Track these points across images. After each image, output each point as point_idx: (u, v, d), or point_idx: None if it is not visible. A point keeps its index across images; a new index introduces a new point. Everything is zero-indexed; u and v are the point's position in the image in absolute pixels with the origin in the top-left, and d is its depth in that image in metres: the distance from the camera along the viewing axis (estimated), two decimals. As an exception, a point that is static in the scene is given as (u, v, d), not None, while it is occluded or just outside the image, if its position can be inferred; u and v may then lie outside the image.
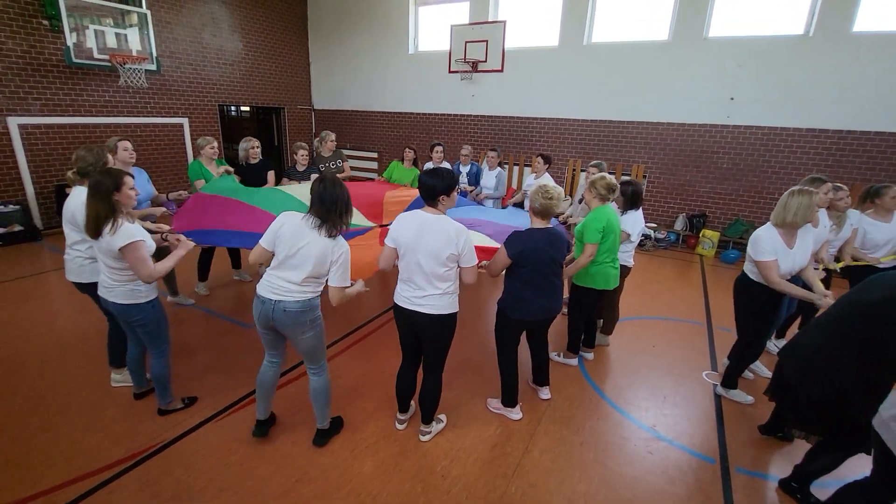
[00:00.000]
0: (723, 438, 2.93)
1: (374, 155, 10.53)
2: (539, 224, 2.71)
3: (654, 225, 7.53)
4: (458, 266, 2.40)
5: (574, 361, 3.60)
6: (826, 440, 2.33)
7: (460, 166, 5.84)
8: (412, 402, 2.93)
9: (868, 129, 6.07)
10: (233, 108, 9.80)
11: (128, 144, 3.49)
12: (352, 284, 2.43)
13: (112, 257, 2.37)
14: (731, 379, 3.29)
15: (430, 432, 2.77)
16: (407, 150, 5.68)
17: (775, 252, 2.80)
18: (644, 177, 7.62)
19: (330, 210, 2.23)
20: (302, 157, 5.00)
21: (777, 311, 3.01)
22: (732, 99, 6.71)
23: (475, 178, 5.62)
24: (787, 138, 6.54)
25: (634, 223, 3.61)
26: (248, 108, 10.19)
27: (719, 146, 6.99)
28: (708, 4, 6.69)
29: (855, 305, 2.08)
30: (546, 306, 2.78)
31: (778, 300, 2.94)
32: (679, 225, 7.37)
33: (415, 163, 5.70)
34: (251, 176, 4.63)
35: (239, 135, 5.12)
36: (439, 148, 5.57)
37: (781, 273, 2.79)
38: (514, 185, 8.59)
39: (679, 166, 7.36)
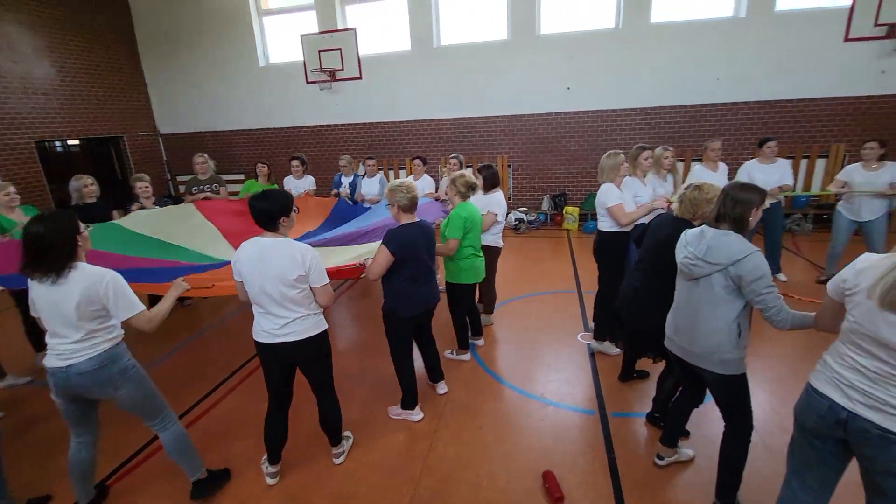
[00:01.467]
0: (599, 390, 3.31)
1: (241, 176, 9.81)
2: (407, 219, 2.79)
3: (525, 209, 8.18)
4: (310, 287, 2.27)
5: (467, 356, 3.76)
6: (666, 366, 2.78)
7: (342, 177, 5.74)
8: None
9: (675, 104, 7.29)
10: (57, 143, 8.36)
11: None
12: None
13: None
14: (600, 331, 3.73)
15: (342, 452, 2.71)
16: (260, 165, 5.51)
17: (620, 197, 3.36)
18: (508, 166, 8.22)
19: (43, 256, 1.91)
20: (142, 190, 4.50)
21: (626, 257, 3.54)
22: (569, 88, 7.55)
23: (354, 188, 5.57)
24: (617, 118, 7.57)
25: (499, 204, 3.91)
26: (77, 142, 8.77)
27: (566, 131, 7.82)
28: (536, 5, 7.42)
29: (652, 246, 2.56)
30: (431, 296, 2.93)
31: (625, 249, 3.47)
32: (545, 205, 8.10)
33: (270, 178, 5.52)
34: (90, 219, 4.04)
35: (72, 173, 4.48)
36: (296, 162, 5.45)
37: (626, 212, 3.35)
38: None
39: (536, 153, 8.07)
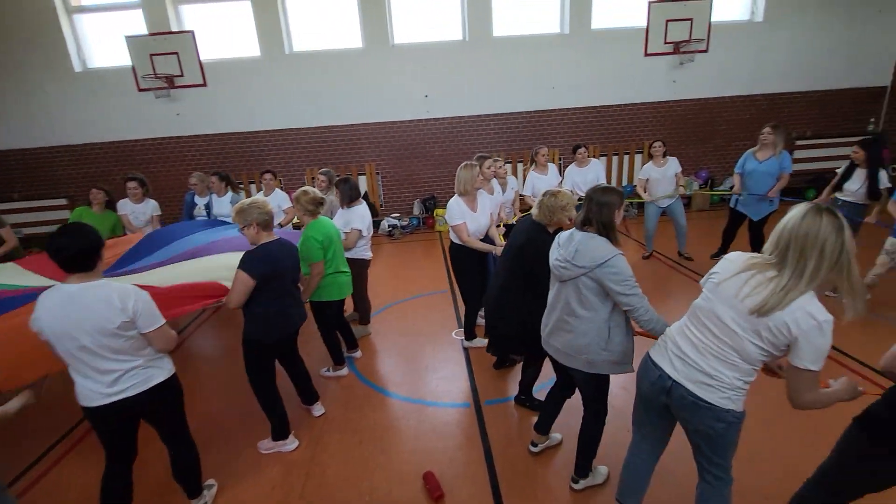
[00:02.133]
0: (473, 383, 3.49)
1: (64, 202, 8.24)
2: (267, 237, 2.61)
3: (398, 214, 8.27)
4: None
5: (344, 371, 3.66)
6: (527, 357, 3.04)
7: (195, 196, 5.12)
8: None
9: (522, 110, 8.03)
10: None
11: None
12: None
13: None
14: (469, 330, 3.93)
15: (204, 504, 2.42)
16: (94, 191, 4.61)
17: (463, 216, 3.47)
18: (377, 174, 8.24)
19: None
20: None
21: (485, 266, 3.74)
22: (427, 96, 7.84)
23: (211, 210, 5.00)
24: (474, 124, 8.07)
25: (362, 218, 3.82)
26: None
27: (429, 137, 8.10)
28: (388, 15, 7.55)
29: (512, 250, 2.74)
30: (297, 318, 2.79)
31: (482, 258, 3.65)
32: (416, 210, 8.30)
33: (109, 205, 4.69)
34: None
35: None
36: (133, 183, 4.73)
37: (471, 232, 3.47)
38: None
39: (403, 159, 8.22)
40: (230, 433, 3.06)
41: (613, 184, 8.06)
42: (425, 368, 3.73)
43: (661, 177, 5.48)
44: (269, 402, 2.77)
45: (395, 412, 3.21)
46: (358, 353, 3.91)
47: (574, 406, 2.49)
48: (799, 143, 8.39)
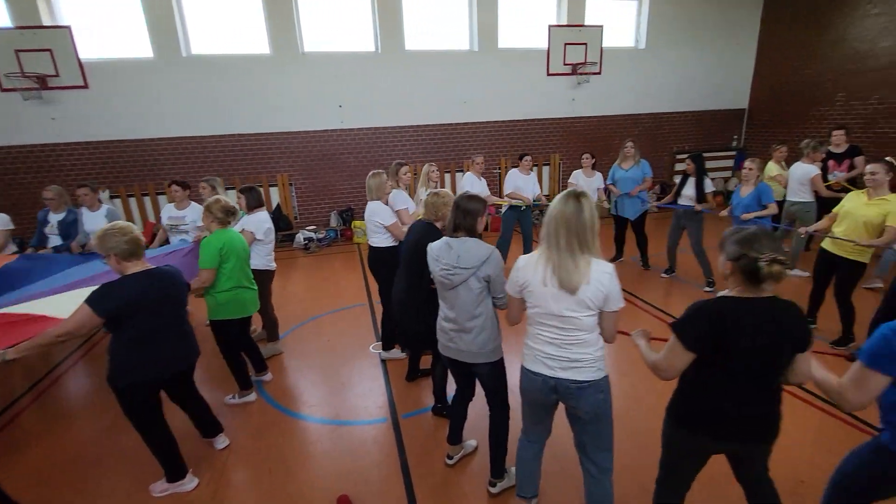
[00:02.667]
0: (391, 396, 3.48)
1: None
2: (136, 267, 2.30)
3: (314, 227, 8.01)
4: None
5: (251, 396, 3.45)
6: (435, 353, 3.07)
7: (49, 213, 4.52)
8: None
9: (436, 123, 8.21)
10: None
11: None
12: None
13: None
14: (387, 342, 3.91)
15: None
16: None
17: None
18: (290, 184, 7.93)
19: None
20: None
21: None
22: (341, 106, 7.72)
23: (68, 228, 4.42)
24: (390, 135, 8.09)
25: (259, 222, 3.74)
26: None
27: (344, 148, 7.97)
28: (296, 22, 7.33)
29: (408, 248, 2.85)
30: (179, 356, 2.50)
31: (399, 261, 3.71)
32: (333, 221, 8.10)
33: None
34: None
35: None
36: None
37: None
38: (152, 220, 7.38)
39: (318, 170, 8.00)
40: (113, 482, 2.74)
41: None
42: (341, 386, 3.64)
43: (587, 186, 5.91)
44: (155, 441, 2.50)
45: (309, 436, 3.10)
46: (267, 376, 3.71)
47: (484, 411, 2.57)
48: (679, 156, 9.51)
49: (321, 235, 7.85)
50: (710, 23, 9.00)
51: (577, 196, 1.85)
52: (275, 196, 7.91)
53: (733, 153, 9.72)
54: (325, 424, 3.19)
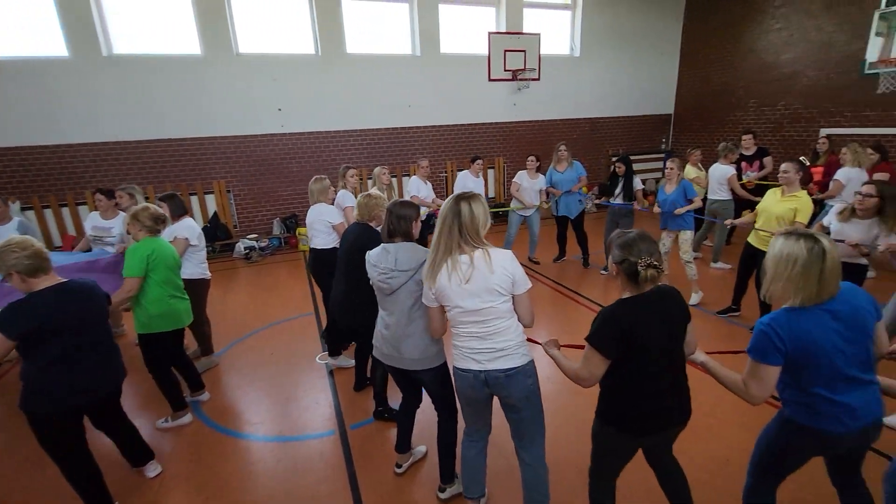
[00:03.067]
0: (339, 408, 3.40)
1: None
2: (45, 282, 2.11)
3: (255, 235, 7.70)
4: None
5: (187, 418, 3.25)
6: (373, 359, 3.06)
7: None
8: None
9: (382, 127, 8.15)
10: None
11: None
12: None
13: None
14: (334, 348, 3.83)
15: None
16: None
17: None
18: (228, 191, 7.57)
19: None
20: None
21: None
22: (280, 110, 7.48)
23: None
24: (335, 139, 7.94)
25: (190, 227, 3.61)
26: None
27: (286, 153, 7.72)
28: (229, 21, 7.02)
29: (345, 249, 2.89)
30: (101, 379, 2.32)
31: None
32: (277, 229, 7.82)
33: None
34: None
35: None
36: None
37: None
38: (73, 233, 6.78)
39: (259, 176, 7.69)
40: (31, 520, 2.50)
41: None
42: (285, 400, 3.52)
43: (530, 188, 6.07)
44: (78, 478, 2.29)
45: (251, 456, 2.96)
46: (204, 396, 3.51)
47: (432, 416, 2.58)
48: (614, 159, 10.00)
49: (263, 244, 7.55)
50: (637, 33, 9.57)
51: (468, 198, 1.94)
52: (211, 204, 7.51)
53: (662, 155, 10.38)
54: (269, 442, 3.07)
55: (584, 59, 9.30)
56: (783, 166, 3.84)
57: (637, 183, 5.54)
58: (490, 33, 8.29)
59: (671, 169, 4.87)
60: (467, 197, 1.95)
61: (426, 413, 2.71)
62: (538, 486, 2.13)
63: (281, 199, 7.90)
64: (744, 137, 6.24)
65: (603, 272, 5.95)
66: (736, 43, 8.87)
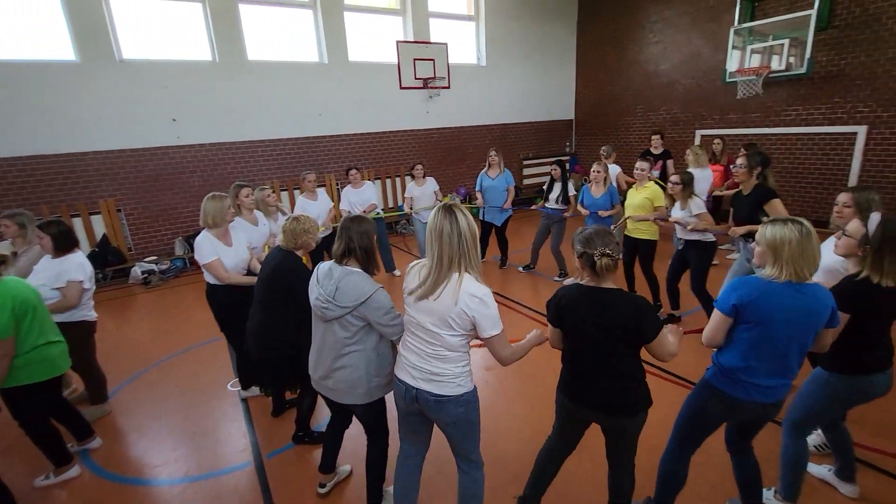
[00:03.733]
0: (254, 437, 3.21)
1: None
2: None
3: (155, 257, 7.05)
4: None
5: (73, 471, 2.87)
6: (302, 387, 2.97)
7: None
8: None
9: (291, 137, 7.85)
10: None
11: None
12: None
13: None
14: (244, 379, 3.61)
15: None
16: None
17: (216, 252, 3.11)
18: (119, 211, 6.85)
19: None
20: None
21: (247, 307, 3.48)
22: (175, 120, 6.92)
23: None
24: (239, 150, 7.50)
25: (82, 266, 3.11)
26: None
27: (184, 166, 7.16)
28: (109, 25, 6.37)
29: (263, 278, 2.70)
30: None
31: (240, 298, 3.33)
32: (179, 249, 7.21)
33: None
34: None
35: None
36: None
37: (230, 268, 3.17)
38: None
39: (155, 192, 7.05)
40: None
41: (388, 203, 8.68)
42: (193, 436, 3.25)
43: (420, 194, 6.13)
44: None
45: (150, 503, 2.70)
46: (95, 442, 3.12)
47: (358, 434, 2.53)
48: (525, 162, 10.56)
49: (164, 266, 6.92)
50: (537, 44, 10.18)
51: (450, 209, 1.81)
52: (98, 226, 6.74)
53: (567, 158, 11.12)
54: (175, 485, 2.82)
55: (490, 67, 9.69)
56: (638, 164, 4.52)
57: (571, 188, 5.58)
58: (398, 42, 8.34)
59: (598, 172, 5.00)
60: (459, 208, 1.82)
61: (352, 430, 2.65)
62: (474, 488, 2.11)
63: (182, 217, 7.30)
64: (653, 137, 6.69)
65: (521, 270, 6.25)
66: (622, 54, 9.77)
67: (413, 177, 6.17)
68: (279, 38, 7.66)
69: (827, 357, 2.10)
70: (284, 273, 2.58)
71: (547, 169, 10.25)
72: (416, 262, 1.98)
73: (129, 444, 3.24)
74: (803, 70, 6.68)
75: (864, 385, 2.07)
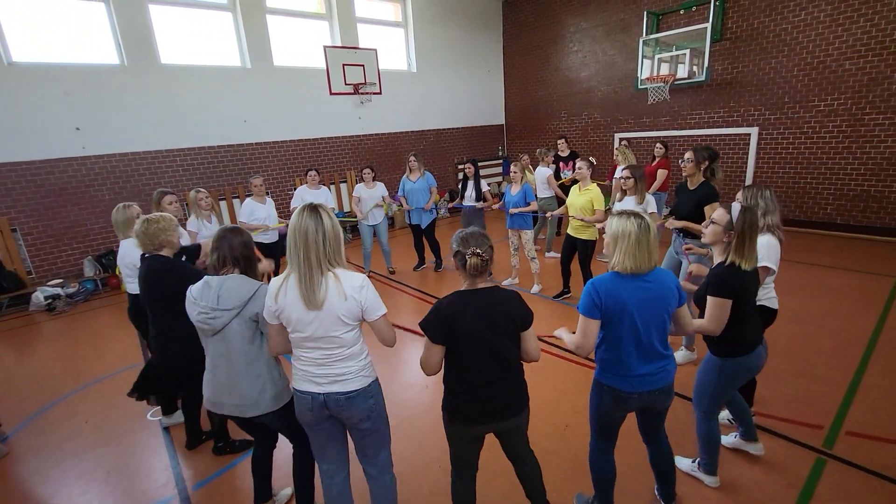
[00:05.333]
0: (178, 469, 3.00)
1: None
2: None
3: (61, 279, 6.39)
4: None
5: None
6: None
7: None
8: None
9: (214, 144, 7.44)
10: None
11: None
12: None
13: None
14: (166, 406, 3.38)
15: None
16: None
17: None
18: (13, 230, 6.15)
19: None
20: None
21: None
22: (78, 129, 6.34)
23: None
24: (156, 160, 7.00)
25: None
26: None
27: (91, 178, 6.57)
28: (-8, 24, 5.73)
29: (143, 288, 2.64)
30: None
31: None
32: (89, 270, 6.59)
33: None
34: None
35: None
36: None
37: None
38: None
39: (58, 208, 6.41)
40: None
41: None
42: (106, 474, 2.98)
43: (369, 197, 6.11)
44: None
45: (59, 552, 2.45)
46: (-12, 495, 2.80)
47: (287, 455, 2.44)
48: (460, 166, 10.71)
49: (72, 290, 6.29)
50: (465, 51, 10.42)
51: (315, 208, 1.80)
52: (-11, 249, 6.02)
53: (500, 160, 11.45)
54: (84, 530, 2.58)
55: (420, 74, 9.77)
56: (578, 164, 4.73)
57: (484, 184, 5.97)
58: (325, 47, 8.19)
59: (515, 173, 5.31)
60: (323, 208, 1.81)
61: (281, 452, 2.55)
62: (387, 494, 2.11)
63: (91, 234, 6.69)
64: (558, 142, 7.26)
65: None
66: (546, 62, 10.24)
67: (363, 179, 6.13)
68: (198, 41, 7.25)
69: (715, 344, 2.29)
70: (157, 281, 2.55)
71: (483, 171, 10.62)
72: (276, 278, 1.88)
73: (28, 491, 2.90)
74: (703, 78, 7.36)
75: (750, 362, 2.31)
